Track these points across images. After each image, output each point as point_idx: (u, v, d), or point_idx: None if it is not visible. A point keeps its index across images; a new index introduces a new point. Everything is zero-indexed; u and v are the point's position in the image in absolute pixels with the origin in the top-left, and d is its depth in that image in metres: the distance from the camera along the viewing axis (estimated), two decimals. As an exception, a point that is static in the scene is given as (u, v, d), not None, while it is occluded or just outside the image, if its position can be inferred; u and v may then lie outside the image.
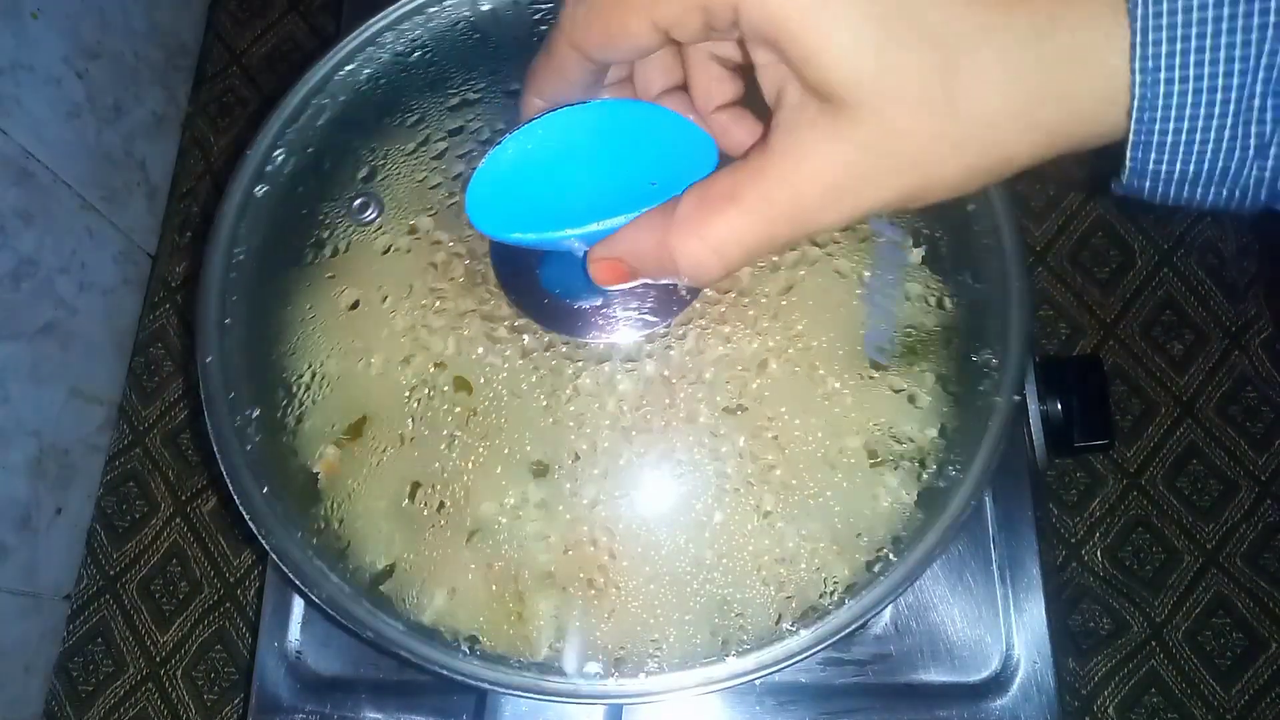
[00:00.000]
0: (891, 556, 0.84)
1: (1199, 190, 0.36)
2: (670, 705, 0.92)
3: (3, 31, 1.12)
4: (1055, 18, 0.34)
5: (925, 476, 0.89)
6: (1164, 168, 0.35)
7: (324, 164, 0.95)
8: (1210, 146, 0.34)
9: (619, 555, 0.87)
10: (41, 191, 1.17)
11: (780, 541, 0.86)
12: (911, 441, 0.90)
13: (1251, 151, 0.34)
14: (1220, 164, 0.35)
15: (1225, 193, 0.36)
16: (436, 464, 0.91)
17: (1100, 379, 1.00)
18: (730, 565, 0.86)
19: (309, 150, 0.91)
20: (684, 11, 0.39)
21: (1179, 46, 0.33)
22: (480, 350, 0.96)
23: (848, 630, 0.72)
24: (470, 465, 0.91)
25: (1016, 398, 0.75)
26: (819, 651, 0.78)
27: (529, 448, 0.91)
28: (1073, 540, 1.25)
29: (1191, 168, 0.35)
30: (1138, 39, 0.33)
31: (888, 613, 0.93)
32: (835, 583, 0.84)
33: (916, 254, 0.96)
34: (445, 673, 0.71)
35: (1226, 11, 0.32)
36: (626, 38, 0.42)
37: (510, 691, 0.71)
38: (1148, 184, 0.37)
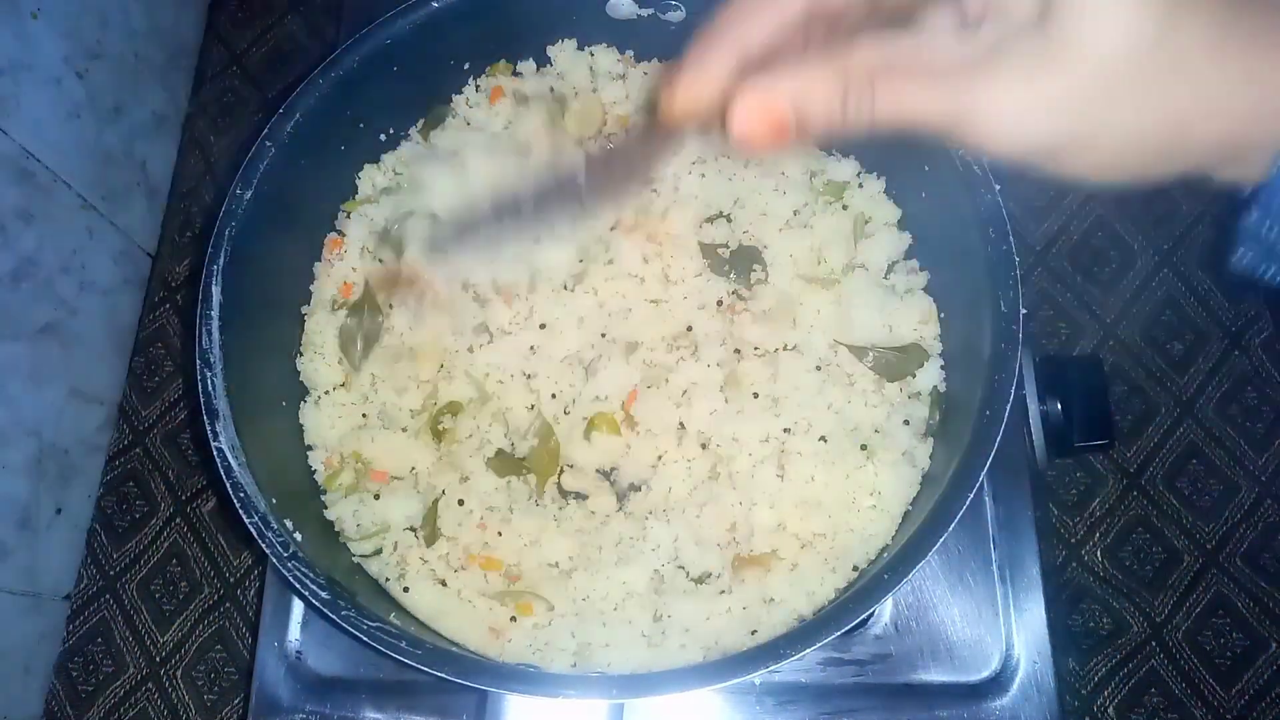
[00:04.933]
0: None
1: None
2: (671, 704, 0.92)
3: (3, 31, 1.12)
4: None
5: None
6: None
7: (324, 164, 0.95)
8: None
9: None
10: (41, 191, 1.17)
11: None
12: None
13: None
14: None
15: None
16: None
17: (1100, 379, 1.00)
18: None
19: (309, 150, 0.91)
20: None
21: None
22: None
23: (845, 629, 0.71)
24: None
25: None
26: (817, 649, 0.78)
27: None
28: (1073, 540, 1.24)
29: None
30: None
31: (888, 612, 0.93)
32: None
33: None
34: (449, 676, 0.70)
35: None
36: None
37: (511, 691, 0.71)
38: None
